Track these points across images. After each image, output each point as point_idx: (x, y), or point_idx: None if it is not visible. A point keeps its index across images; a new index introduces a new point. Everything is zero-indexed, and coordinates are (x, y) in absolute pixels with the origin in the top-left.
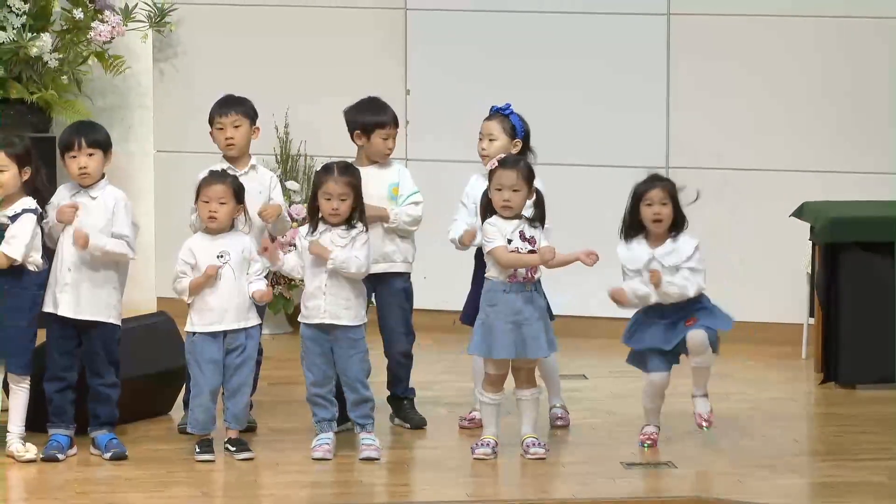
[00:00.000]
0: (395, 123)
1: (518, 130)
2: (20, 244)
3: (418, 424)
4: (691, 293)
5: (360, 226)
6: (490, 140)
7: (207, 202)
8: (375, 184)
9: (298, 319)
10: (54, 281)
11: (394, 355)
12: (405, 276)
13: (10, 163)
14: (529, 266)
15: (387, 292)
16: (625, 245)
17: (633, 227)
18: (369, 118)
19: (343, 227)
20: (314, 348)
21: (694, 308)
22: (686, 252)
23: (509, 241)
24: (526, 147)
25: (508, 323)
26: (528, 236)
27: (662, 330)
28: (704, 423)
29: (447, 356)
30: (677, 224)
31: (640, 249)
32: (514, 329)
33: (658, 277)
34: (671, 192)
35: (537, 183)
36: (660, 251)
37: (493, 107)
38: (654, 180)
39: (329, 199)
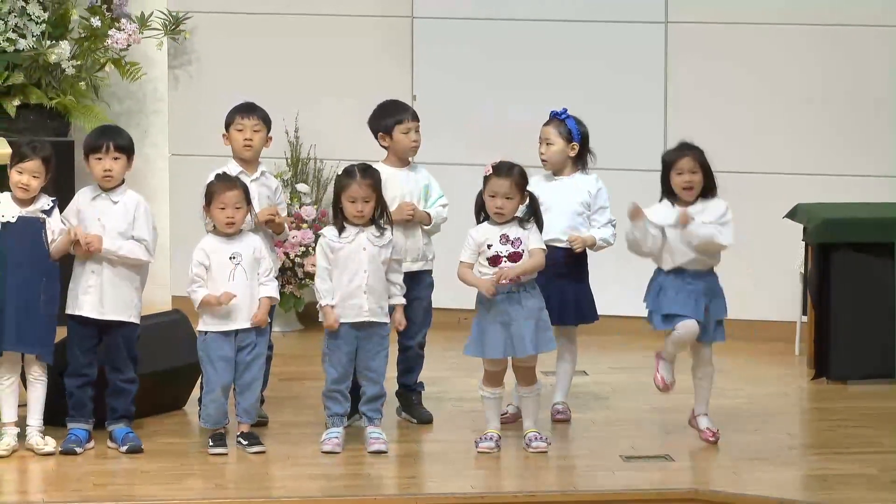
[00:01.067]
0: (415, 117)
1: (574, 134)
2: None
3: (425, 420)
4: (722, 241)
5: (387, 227)
6: (548, 144)
7: (224, 208)
8: (411, 185)
9: (348, 321)
10: (76, 283)
11: (414, 346)
12: (431, 272)
13: (43, 169)
14: (475, 286)
15: (419, 287)
16: (655, 205)
17: (665, 193)
18: (388, 118)
19: (373, 227)
20: (343, 346)
21: (712, 282)
22: (718, 211)
23: (489, 247)
24: (584, 149)
25: (497, 323)
26: (512, 238)
27: (692, 299)
28: (712, 438)
29: (453, 353)
30: (707, 190)
31: (669, 209)
32: (503, 329)
33: (687, 215)
34: (700, 159)
35: (597, 184)
36: (691, 209)
37: (551, 112)
38: (684, 148)
39: (354, 202)
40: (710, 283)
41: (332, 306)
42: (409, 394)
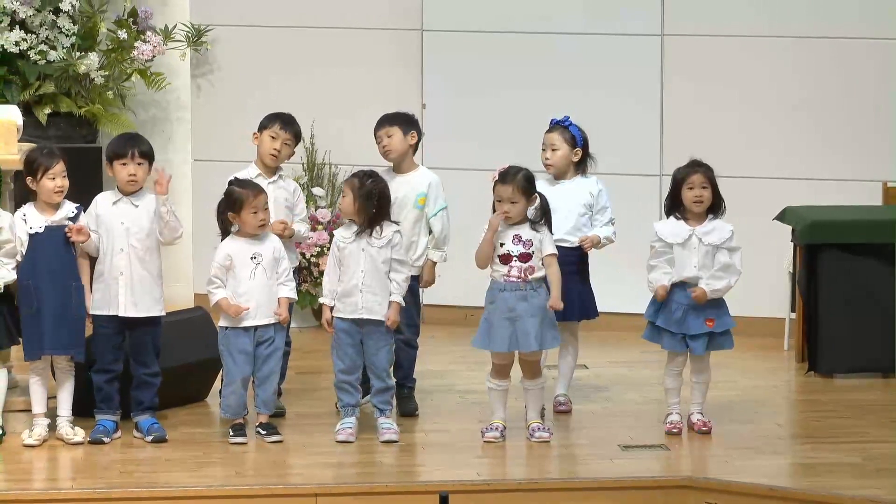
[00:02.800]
0: (386, 125)
1: (578, 140)
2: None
3: (408, 412)
4: (735, 278)
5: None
6: (553, 150)
7: (255, 212)
8: (404, 190)
9: (333, 314)
10: (103, 285)
11: (399, 342)
12: (418, 277)
13: (65, 168)
14: (485, 242)
15: (409, 292)
16: (664, 221)
17: (673, 207)
18: (375, 128)
19: (374, 228)
20: (346, 339)
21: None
22: (725, 234)
23: (501, 245)
24: (585, 154)
25: (504, 319)
26: (524, 239)
27: (688, 317)
28: (704, 428)
29: (460, 348)
30: (715, 206)
31: (679, 226)
32: (510, 324)
33: (701, 297)
34: (710, 176)
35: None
36: (700, 229)
37: (552, 119)
38: (695, 165)
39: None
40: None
41: (331, 307)
42: (399, 388)
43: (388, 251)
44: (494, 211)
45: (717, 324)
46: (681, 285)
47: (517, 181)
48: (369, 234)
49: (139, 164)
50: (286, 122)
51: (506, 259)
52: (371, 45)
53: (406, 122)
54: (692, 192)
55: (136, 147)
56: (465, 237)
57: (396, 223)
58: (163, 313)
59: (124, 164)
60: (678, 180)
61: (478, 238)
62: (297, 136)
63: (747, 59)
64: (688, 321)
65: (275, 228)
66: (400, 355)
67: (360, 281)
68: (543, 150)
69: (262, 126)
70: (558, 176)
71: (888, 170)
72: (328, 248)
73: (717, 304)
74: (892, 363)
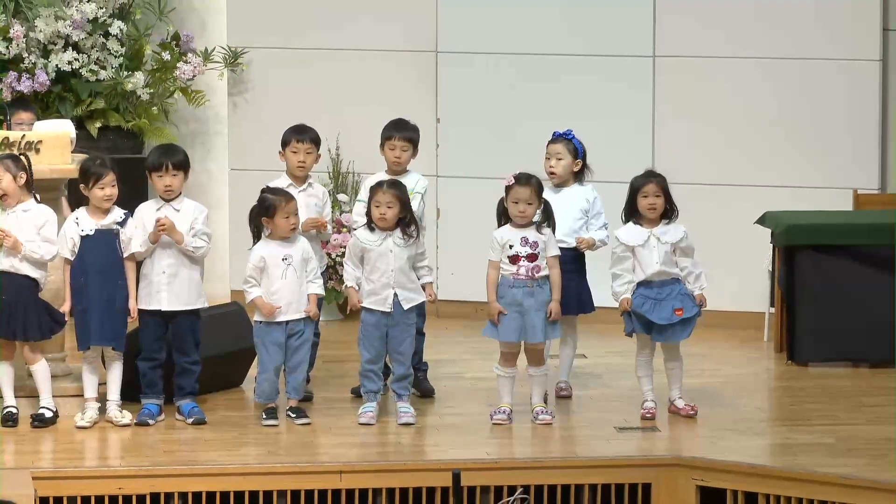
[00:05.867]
0: (401, 136)
1: (579, 152)
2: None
3: (427, 393)
4: (703, 277)
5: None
6: (558, 159)
7: (288, 217)
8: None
9: (365, 305)
10: (149, 282)
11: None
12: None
13: (115, 178)
14: (488, 295)
15: None
16: (624, 228)
17: (631, 213)
18: (383, 134)
19: (398, 231)
20: (374, 332)
21: (679, 291)
22: (678, 234)
23: (511, 247)
24: (584, 165)
25: (513, 312)
26: (531, 241)
27: (652, 304)
28: (692, 412)
29: (471, 339)
30: (668, 212)
31: (637, 229)
32: (518, 317)
33: (700, 298)
34: (663, 185)
35: (594, 194)
36: (657, 230)
37: (555, 132)
38: (649, 176)
39: (378, 207)
40: (678, 289)
41: (356, 289)
42: (415, 371)
43: (413, 248)
44: (506, 211)
45: (685, 311)
46: (646, 283)
47: (534, 185)
48: (395, 235)
49: (174, 175)
50: (303, 132)
51: (515, 260)
52: (391, 66)
53: (417, 143)
54: (647, 200)
55: (170, 159)
56: (475, 240)
57: (415, 222)
58: (200, 305)
59: (161, 176)
60: (634, 189)
61: (487, 240)
62: (315, 142)
63: (731, 78)
64: (658, 312)
65: (308, 225)
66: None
67: (392, 279)
68: (548, 159)
69: (283, 143)
70: (560, 184)
71: (858, 178)
72: None
73: (682, 294)
74: (861, 353)
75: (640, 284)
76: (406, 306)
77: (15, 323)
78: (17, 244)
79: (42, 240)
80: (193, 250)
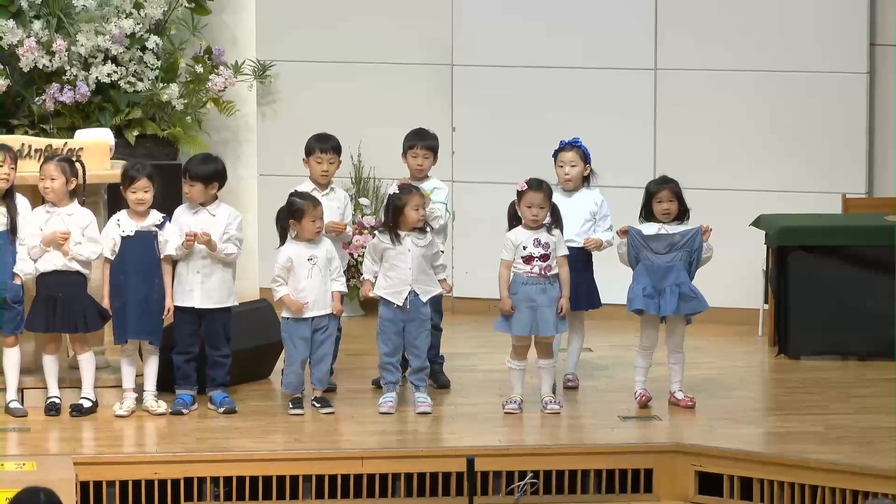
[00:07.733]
0: (422, 144)
1: (588, 158)
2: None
3: (443, 385)
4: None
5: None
6: (571, 166)
7: (314, 221)
8: None
9: (382, 295)
10: (183, 281)
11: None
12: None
13: (150, 184)
14: (500, 291)
15: None
16: (640, 225)
17: (647, 217)
18: (405, 143)
19: (416, 231)
20: (391, 328)
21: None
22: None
23: (524, 248)
24: (590, 170)
25: (526, 307)
26: (543, 242)
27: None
28: (690, 403)
29: (484, 334)
30: (682, 214)
31: (651, 226)
32: (530, 312)
33: (708, 231)
34: (676, 191)
35: (601, 197)
36: (668, 227)
37: (562, 141)
38: (663, 182)
39: (416, 210)
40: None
41: (372, 281)
42: (432, 364)
43: (430, 248)
44: (516, 214)
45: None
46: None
47: (545, 189)
48: (413, 235)
49: (192, 185)
50: (325, 141)
51: (528, 260)
52: (409, 78)
53: (437, 151)
54: (661, 206)
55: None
56: (487, 241)
57: (430, 225)
58: (232, 303)
59: (192, 186)
60: (650, 194)
61: (498, 241)
62: (337, 151)
63: (728, 89)
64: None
65: (329, 228)
66: (431, 337)
67: (411, 277)
68: (561, 166)
69: (307, 151)
70: (571, 189)
71: (846, 183)
72: None
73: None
74: (850, 347)
75: (644, 270)
76: (424, 298)
77: (75, 316)
78: (66, 247)
79: (87, 240)
80: (225, 257)
